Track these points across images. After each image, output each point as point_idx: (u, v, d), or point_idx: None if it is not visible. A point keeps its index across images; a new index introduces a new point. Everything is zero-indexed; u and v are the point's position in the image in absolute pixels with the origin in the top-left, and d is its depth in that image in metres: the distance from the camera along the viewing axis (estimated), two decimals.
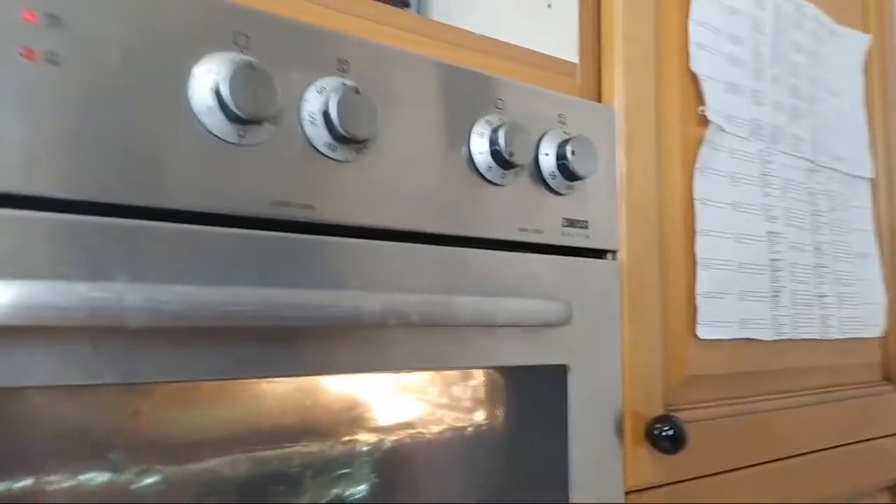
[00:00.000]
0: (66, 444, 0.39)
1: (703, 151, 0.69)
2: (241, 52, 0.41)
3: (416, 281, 0.48)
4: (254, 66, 0.40)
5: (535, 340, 0.54)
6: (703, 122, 0.70)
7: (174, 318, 0.35)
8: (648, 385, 0.62)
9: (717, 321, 0.68)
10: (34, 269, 0.35)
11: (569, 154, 0.55)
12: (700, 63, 0.69)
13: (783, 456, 0.73)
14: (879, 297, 0.88)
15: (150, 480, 0.41)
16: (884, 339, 0.88)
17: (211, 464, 0.44)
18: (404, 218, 0.48)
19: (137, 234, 0.38)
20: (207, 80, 0.40)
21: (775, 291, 0.73)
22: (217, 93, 0.40)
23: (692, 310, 0.66)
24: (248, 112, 0.40)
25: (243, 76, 0.39)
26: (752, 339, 0.71)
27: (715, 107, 0.70)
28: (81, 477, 0.39)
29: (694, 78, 0.69)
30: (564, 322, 0.54)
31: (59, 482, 0.38)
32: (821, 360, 0.79)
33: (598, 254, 0.61)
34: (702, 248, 0.68)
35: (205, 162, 0.40)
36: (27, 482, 0.37)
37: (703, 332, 0.66)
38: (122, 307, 0.34)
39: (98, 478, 0.40)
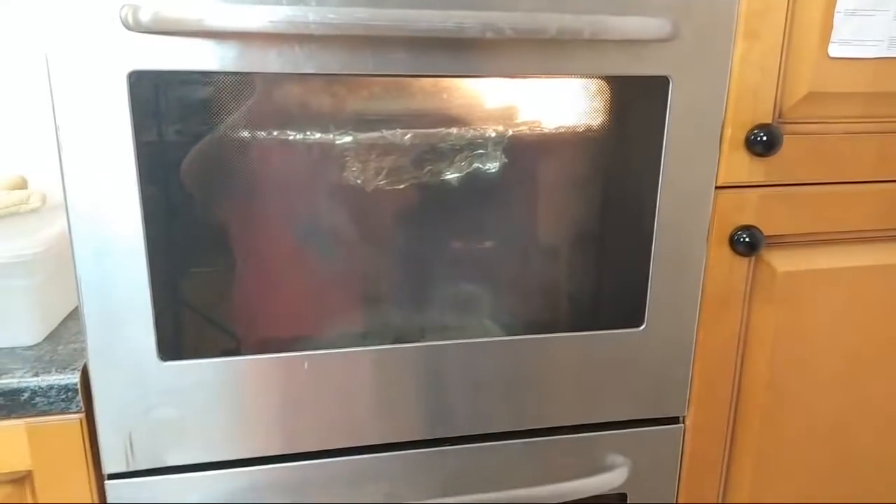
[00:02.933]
0: (298, 113, 0.65)
1: None
2: None
3: (522, 5, 0.61)
4: None
5: (638, 54, 0.65)
6: None
7: (337, 29, 0.56)
8: (757, 99, 0.69)
9: (857, 39, 0.69)
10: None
11: None
12: None
13: None
14: None
15: (346, 139, 0.66)
16: None
17: (386, 133, 0.67)
18: None
19: None
20: None
21: None
22: None
23: (827, 27, 0.68)
24: None
25: None
26: None
27: None
28: (307, 133, 0.65)
29: None
30: (665, 37, 0.64)
31: (294, 134, 0.65)
32: None
33: None
34: None
35: None
36: (276, 132, 0.64)
37: (835, 51, 0.69)
38: (308, 21, 0.56)
39: (316, 134, 0.65)
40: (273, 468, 0.70)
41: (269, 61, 0.59)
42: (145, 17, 0.56)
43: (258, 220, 0.68)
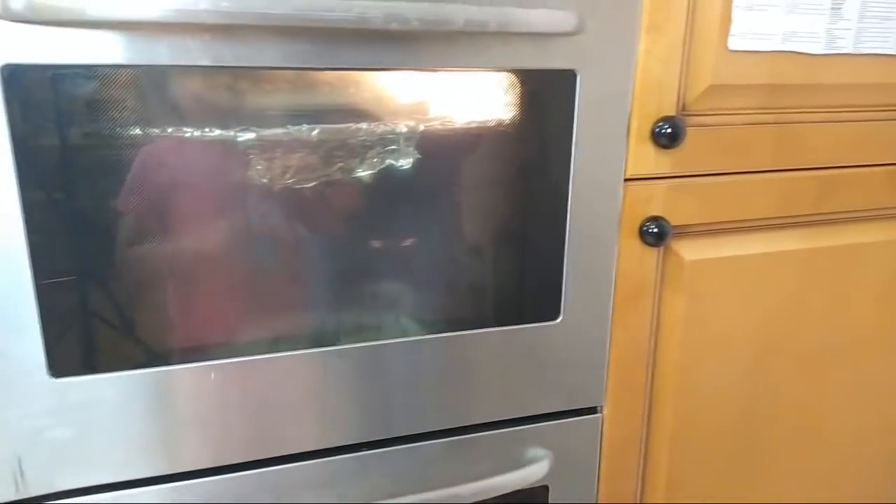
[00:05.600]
0: (195, 108, 0.61)
1: None
2: None
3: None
4: None
5: (544, 48, 0.65)
6: None
7: (231, 18, 0.53)
8: (662, 92, 0.70)
9: (754, 33, 0.71)
10: None
11: None
12: None
13: (817, 166, 0.78)
14: None
15: (248, 136, 0.63)
16: None
17: (291, 129, 0.64)
18: None
19: None
20: None
21: (837, 4, 0.73)
22: None
23: (727, 21, 0.70)
24: None
25: None
26: (799, 53, 0.73)
27: None
28: (205, 129, 0.62)
29: None
30: (570, 31, 0.64)
31: (191, 131, 0.61)
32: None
33: None
34: None
35: None
36: (172, 129, 0.60)
37: (734, 44, 0.71)
38: (198, 10, 0.52)
39: (215, 131, 0.62)
40: (194, 483, 0.67)
41: (159, 53, 0.55)
42: (17, 4, 0.51)
43: (158, 222, 0.64)
